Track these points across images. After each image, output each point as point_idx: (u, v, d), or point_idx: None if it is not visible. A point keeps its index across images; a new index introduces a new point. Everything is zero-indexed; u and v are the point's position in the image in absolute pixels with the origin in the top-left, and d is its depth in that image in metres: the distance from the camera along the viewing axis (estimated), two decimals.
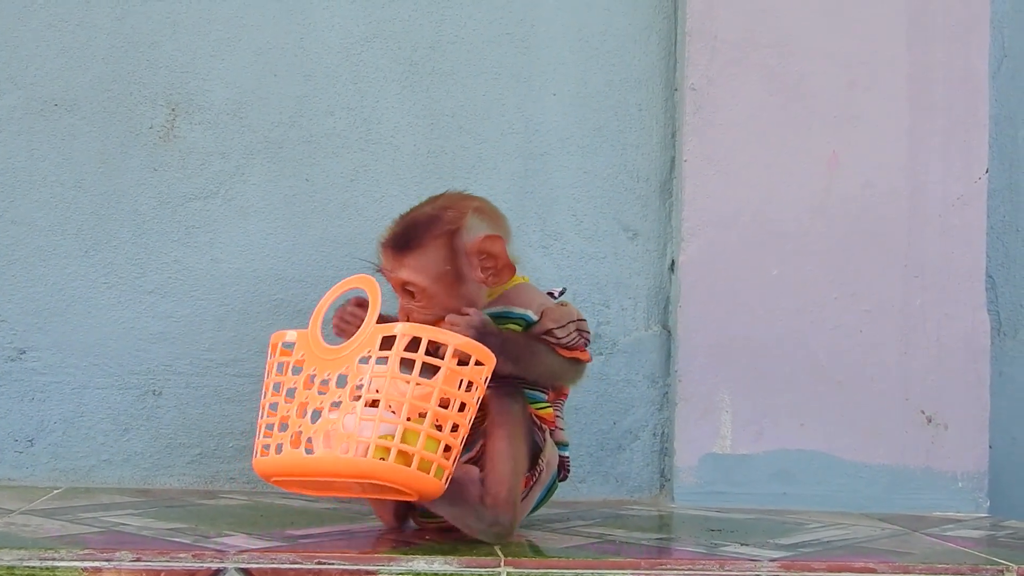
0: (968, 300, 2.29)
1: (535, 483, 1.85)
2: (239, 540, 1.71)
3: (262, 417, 1.73)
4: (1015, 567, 1.70)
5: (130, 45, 2.27)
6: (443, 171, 2.31)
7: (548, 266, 2.31)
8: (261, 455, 1.71)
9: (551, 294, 1.92)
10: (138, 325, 2.26)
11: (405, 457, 1.64)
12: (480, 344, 1.68)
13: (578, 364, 1.86)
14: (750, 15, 2.28)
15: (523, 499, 1.81)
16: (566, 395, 1.94)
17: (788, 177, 2.28)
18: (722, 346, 2.26)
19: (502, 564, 1.63)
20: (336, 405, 1.66)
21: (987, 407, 2.28)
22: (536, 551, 1.72)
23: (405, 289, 1.81)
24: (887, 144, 2.29)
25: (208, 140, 2.28)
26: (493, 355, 1.68)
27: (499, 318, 1.84)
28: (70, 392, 2.24)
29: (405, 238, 1.82)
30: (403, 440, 1.63)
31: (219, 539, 1.71)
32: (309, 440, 1.66)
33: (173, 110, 2.27)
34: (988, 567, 1.70)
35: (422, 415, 1.65)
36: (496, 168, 2.32)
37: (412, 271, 1.79)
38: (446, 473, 1.67)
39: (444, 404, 1.66)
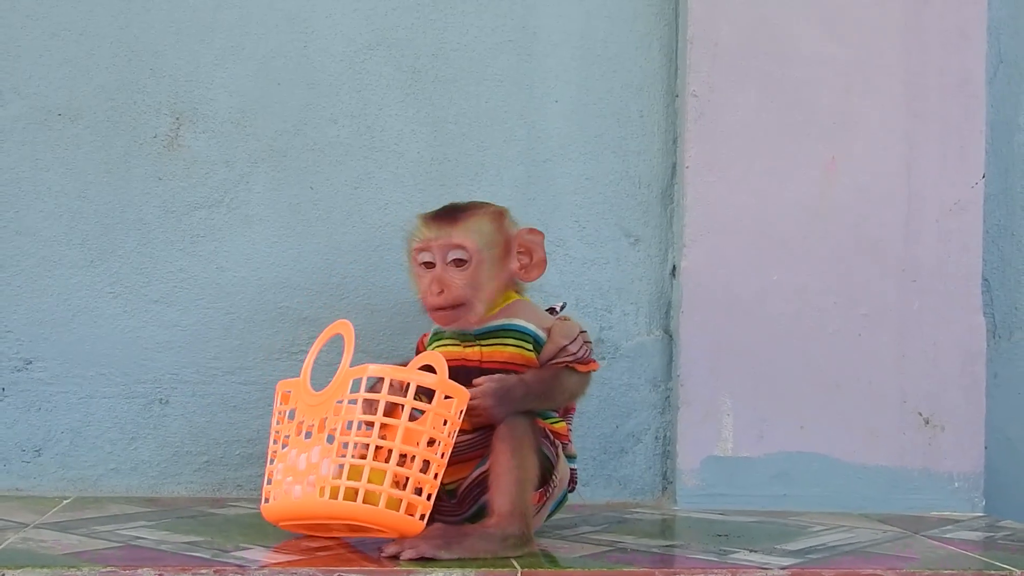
0: (964, 304, 2.33)
1: (548, 499, 1.88)
2: (256, 554, 1.73)
3: (268, 464, 1.82)
4: (1018, 572, 1.74)
5: (133, 54, 2.27)
6: (446, 178, 2.32)
7: (551, 272, 2.31)
8: (264, 502, 1.81)
9: (552, 310, 1.95)
10: (144, 334, 2.26)
11: (374, 498, 1.69)
12: (452, 383, 1.73)
13: (588, 376, 1.90)
14: (750, 23, 2.30)
15: (535, 514, 1.84)
16: (574, 408, 1.97)
17: (788, 183, 2.31)
18: (723, 350, 2.29)
19: (519, 575, 1.65)
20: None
21: (983, 409, 2.32)
22: (551, 561, 1.75)
23: (453, 260, 1.86)
24: (885, 150, 2.32)
25: (212, 149, 2.28)
26: (465, 390, 1.74)
27: (500, 330, 1.89)
28: (77, 402, 2.25)
29: (456, 208, 1.91)
30: (369, 480, 1.68)
31: (237, 553, 1.73)
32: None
33: (177, 119, 2.27)
34: (992, 572, 1.74)
35: (388, 454, 1.70)
36: (499, 175, 2.34)
37: (464, 232, 1.87)
38: (420, 510, 1.71)
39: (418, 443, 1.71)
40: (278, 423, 1.83)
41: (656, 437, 2.36)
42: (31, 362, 2.24)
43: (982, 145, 2.34)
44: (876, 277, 2.31)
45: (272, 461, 1.82)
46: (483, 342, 1.88)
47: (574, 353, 1.87)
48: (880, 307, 2.31)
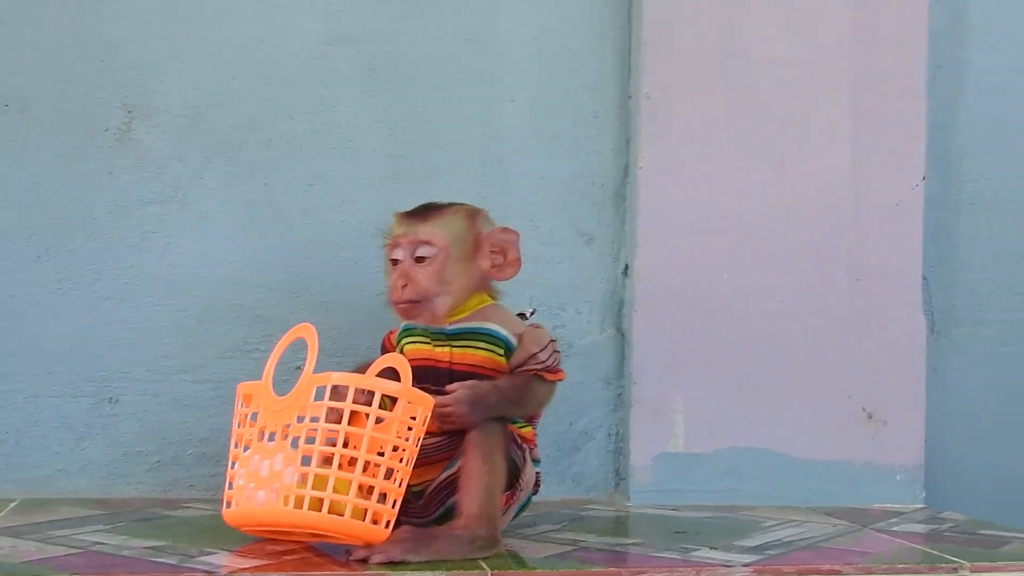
0: (906, 302, 2.39)
1: (514, 502, 1.90)
2: (223, 559, 1.71)
3: (230, 468, 1.80)
4: (967, 564, 1.80)
5: (86, 45, 2.22)
6: (402, 176, 2.32)
7: None
8: (226, 506, 1.79)
9: (522, 315, 1.96)
10: (94, 331, 2.22)
11: (340, 507, 1.69)
12: (416, 391, 1.73)
13: (555, 385, 1.93)
14: (704, 26, 2.33)
15: (502, 516, 1.85)
16: (540, 414, 1.99)
17: (738, 184, 2.34)
18: (675, 348, 2.32)
19: None
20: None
21: (923, 403, 2.39)
22: (519, 562, 1.76)
23: (418, 256, 1.87)
24: (832, 153, 2.37)
25: (165, 143, 2.25)
26: (430, 397, 1.74)
27: (472, 333, 1.89)
28: (23, 401, 2.20)
29: (430, 207, 1.92)
30: (334, 490, 1.68)
31: (202, 558, 1.71)
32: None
33: (130, 112, 2.23)
34: (943, 565, 1.80)
35: (352, 462, 1.70)
36: (455, 173, 2.33)
37: (432, 228, 1.88)
38: (386, 518, 1.72)
39: (382, 451, 1.71)
40: (239, 426, 1.81)
41: (609, 434, 2.39)
42: None
43: (922, 148, 2.40)
44: (822, 277, 2.36)
45: (233, 465, 1.80)
46: (454, 343, 1.88)
47: (543, 362, 1.89)
48: (826, 306, 2.36)
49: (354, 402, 1.69)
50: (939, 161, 2.50)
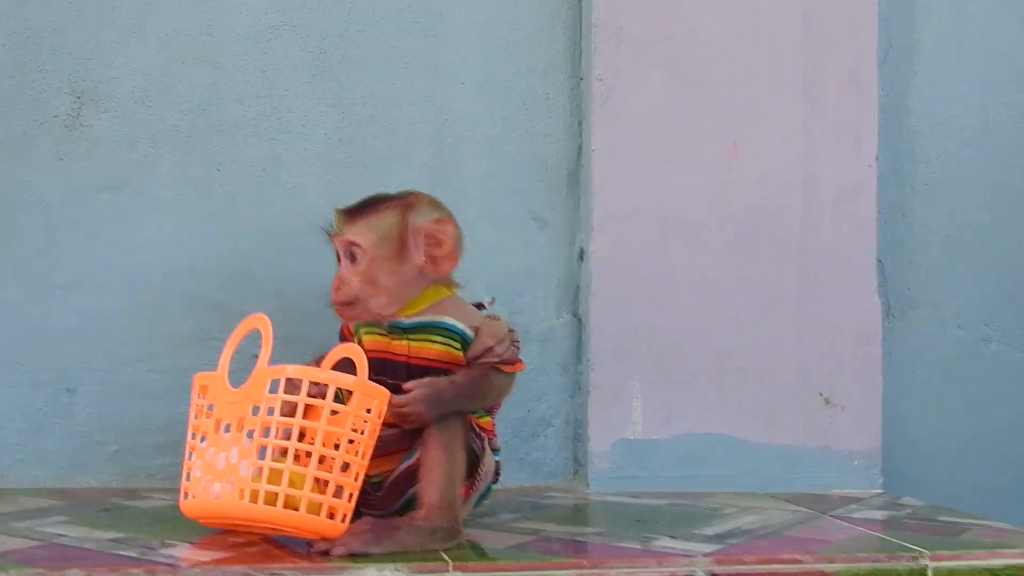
0: (860, 285, 2.40)
1: (473, 491, 1.90)
2: (184, 551, 1.70)
3: (187, 459, 1.78)
4: (927, 553, 1.81)
5: (32, 31, 2.18)
6: (354, 160, 2.30)
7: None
8: (183, 497, 1.78)
9: (480, 305, 1.95)
10: (49, 321, 2.19)
11: (295, 502, 1.68)
12: (371, 383, 1.72)
13: (514, 376, 1.92)
14: (655, 8, 2.32)
15: (462, 505, 1.84)
16: (499, 404, 1.98)
17: (691, 168, 2.34)
18: (631, 334, 2.32)
19: (451, 568, 1.66)
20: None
21: (879, 388, 2.40)
22: (480, 554, 1.76)
23: (349, 253, 1.85)
24: (783, 136, 2.36)
25: (115, 129, 2.21)
26: (385, 391, 1.73)
27: (429, 327, 1.88)
28: None
29: (361, 204, 1.88)
30: (290, 484, 1.67)
31: (164, 550, 1.70)
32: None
33: (79, 98, 2.20)
34: (904, 554, 1.81)
35: (307, 456, 1.68)
36: (407, 157, 2.32)
37: (360, 229, 1.84)
38: (342, 512, 1.71)
39: (337, 445, 1.71)
40: (196, 417, 1.79)
41: (567, 421, 2.39)
42: None
43: (875, 129, 2.41)
44: (776, 261, 2.36)
45: (191, 456, 1.78)
46: (411, 336, 1.87)
47: (500, 355, 1.87)
48: (780, 290, 2.37)
49: (309, 395, 1.68)
50: (892, 141, 2.50)
